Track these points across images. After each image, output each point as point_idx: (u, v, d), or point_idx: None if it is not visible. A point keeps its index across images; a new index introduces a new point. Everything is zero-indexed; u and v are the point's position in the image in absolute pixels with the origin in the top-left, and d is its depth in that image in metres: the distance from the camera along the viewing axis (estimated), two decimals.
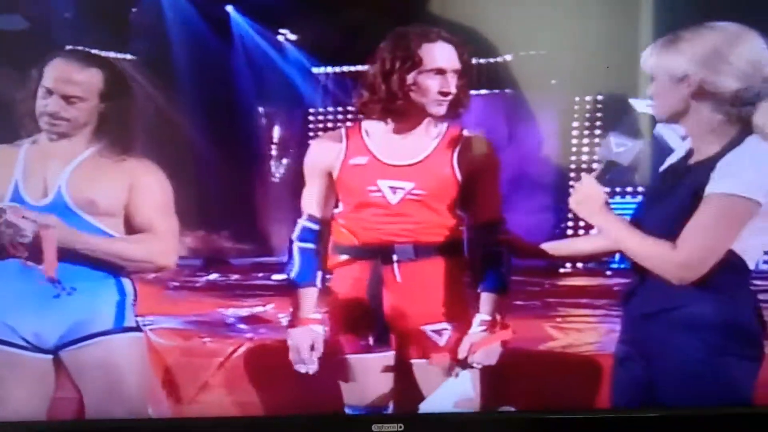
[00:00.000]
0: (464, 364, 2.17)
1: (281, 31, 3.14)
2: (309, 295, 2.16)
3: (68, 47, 2.42)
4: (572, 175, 2.79)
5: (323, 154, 2.23)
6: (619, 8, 2.48)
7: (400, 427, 2.22)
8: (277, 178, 3.33)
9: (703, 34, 1.90)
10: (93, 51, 2.35)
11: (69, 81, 2.23)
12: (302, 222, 2.24)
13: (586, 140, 2.79)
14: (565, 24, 2.62)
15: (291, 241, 2.24)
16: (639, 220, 1.99)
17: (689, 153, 1.98)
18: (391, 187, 2.15)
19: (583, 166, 2.75)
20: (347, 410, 2.30)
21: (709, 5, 2.09)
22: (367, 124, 2.23)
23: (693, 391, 1.91)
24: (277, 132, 3.31)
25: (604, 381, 2.17)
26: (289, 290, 2.25)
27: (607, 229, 1.96)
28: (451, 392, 2.18)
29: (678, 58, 1.89)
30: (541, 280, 2.66)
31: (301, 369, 2.21)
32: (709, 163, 1.88)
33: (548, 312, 2.57)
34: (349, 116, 3.72)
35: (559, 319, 2.52)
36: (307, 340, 2.18)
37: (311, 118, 3.11)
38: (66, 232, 2.16)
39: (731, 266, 1.87)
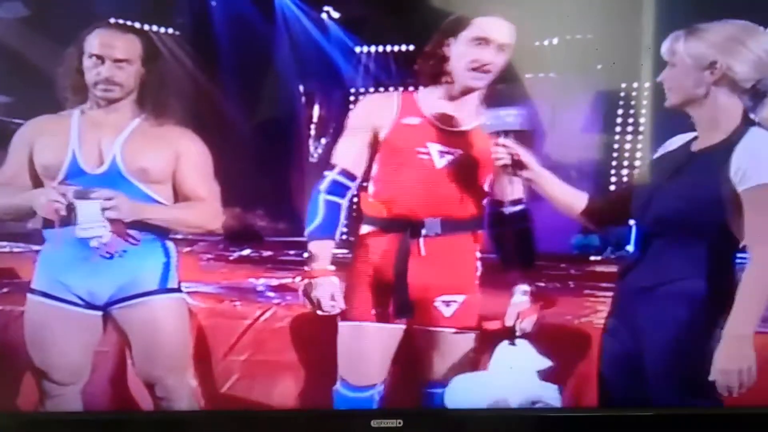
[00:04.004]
0: (512, 331, 2.19)
1: (324, 8, 3.13)
2: (327, 248, 2.16)
3: (109, 20, 2.45)
4: (614, 163, 2.76)
5: (376, 110, 2.21)
6: None
7: (399, 423, 2.22)
8: (315, 158, 3.32)
9: (722, 26, 1.99)
10: (128, 22, 2.40)
11: (114, 46, 2.28)
12: (333, 175, 2.18)
13: (630, 127, 2.75)
14: (613, 8, 2.57)
15: (317, 192, 2.19)
16: (646, 204, 2.04)
17: (689, 141, 2.05)
18: (440, 151, 2.17)
19: (626, 154, 2.71)
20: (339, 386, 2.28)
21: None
22: (422, 93, 2.22)
23: (680, 360, 1.97)
24: (316, 111, 3.30)
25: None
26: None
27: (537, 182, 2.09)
28: (513, 357, 2.18)
29: (704, 46, 1.98)
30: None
31: (324, 312, 2.21)
32: (718, 150, 1.95)
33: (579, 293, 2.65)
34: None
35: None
36: (327, 292, 2.18)
37: (352, 98, 3.09)
38: (132, 206, 2.22)
39: (729, 242, 1.96)
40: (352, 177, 2.20)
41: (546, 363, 2.16)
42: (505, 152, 2.06)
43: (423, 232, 2.16)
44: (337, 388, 2.28)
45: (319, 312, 2.20)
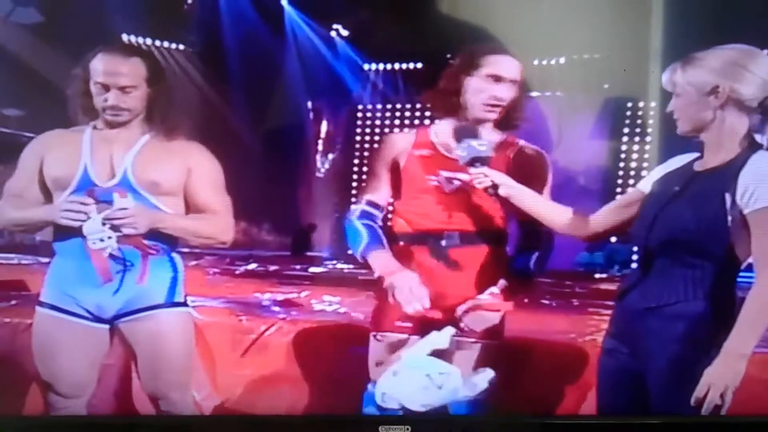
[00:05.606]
0: (454, 321, 2.22)
1: (334, 26, 3.16)
2: (386, 254, 2.25)
3: (113, 42, 2.48)
4: (619, 181, 2.77)
5: (394, 145, 2.34)
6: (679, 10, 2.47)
7: (407, 429, 2.21)
8: (321, 174, 3.34)
9: (718, 52, 2.00)
10: (129, 42, 2.43)
11: (118, 73, 2.28)
12: (361, 206, 2.33)
13: (636, 146, 2.76)
14: (621, 28, 2.59)
15: (348, 221, 2.31)
16: (650, 224, 2.06)
17: (691, 161, 2.06)
18: (448, 178, 2.27)
19: (632, 172, 2.72)
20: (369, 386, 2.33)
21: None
22: (437, 126, 2.31)
23: (685, 380, 1.97)
24: (324, 127, 3.34)
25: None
26: (326, 279, 2.31)
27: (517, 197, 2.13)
28: (431, 341, 2.19)
29: (703, 73, 1.98)
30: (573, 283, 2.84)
31: (411, 308, 2.24)
32: (722, 171, 1.98)
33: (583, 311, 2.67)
34: (397, 114, 3.75)
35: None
36: (412, 279, 2.24)
37: (359, 114, 3.12)
38: (148, 215, 2.24)
39: (732, 263, 1.96)
40: (377, 207, 2.33)
41: (443, 346, 2.16)
42: (482, 177, 2.16)
43: (443, 243, 2.23)
44: (369, 389, 2.31)
45: (406, 310, 2.23)
